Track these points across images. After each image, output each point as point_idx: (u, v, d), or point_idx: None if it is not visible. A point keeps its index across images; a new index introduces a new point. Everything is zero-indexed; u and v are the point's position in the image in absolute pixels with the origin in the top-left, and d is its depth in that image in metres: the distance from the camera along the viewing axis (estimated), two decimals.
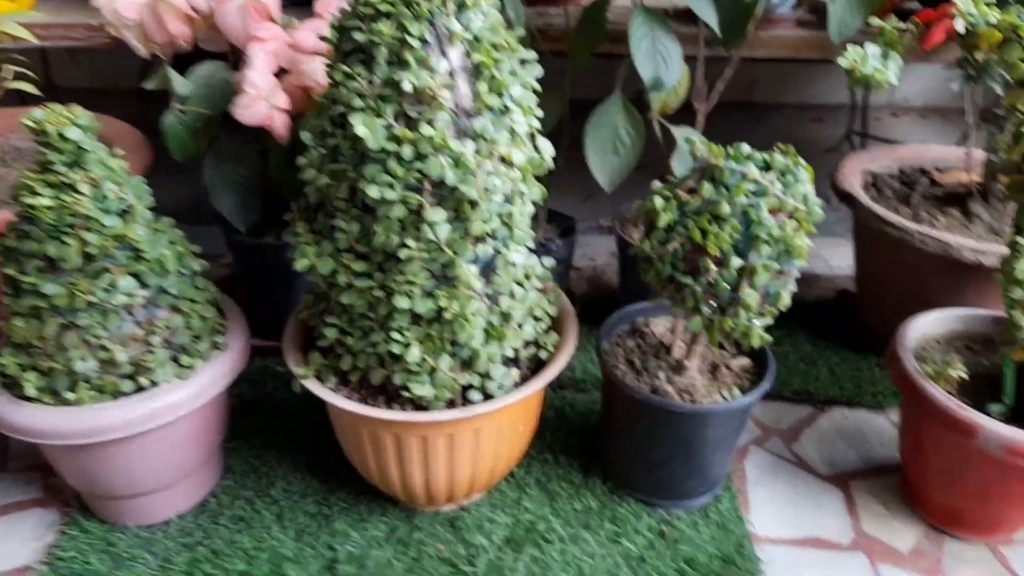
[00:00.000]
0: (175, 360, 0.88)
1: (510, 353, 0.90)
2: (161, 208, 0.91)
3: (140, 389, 0.86)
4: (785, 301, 0.85)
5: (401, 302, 0.79)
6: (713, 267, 0.81)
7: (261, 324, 1.09)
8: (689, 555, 0.97)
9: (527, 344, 0.94)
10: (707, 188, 0.81)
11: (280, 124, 1.01)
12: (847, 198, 1.31)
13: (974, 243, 1.16)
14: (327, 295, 0.86)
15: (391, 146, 0.73)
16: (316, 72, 0.99)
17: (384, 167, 0.74)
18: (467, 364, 0.87)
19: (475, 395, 0.88)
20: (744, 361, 1.03)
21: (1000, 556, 1.02)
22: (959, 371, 0.96)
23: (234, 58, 1.06)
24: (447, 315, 0.81)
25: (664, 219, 0.82)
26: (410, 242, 0.77)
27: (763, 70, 2.49)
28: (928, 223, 1.27)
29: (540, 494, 1.04)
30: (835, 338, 1.41)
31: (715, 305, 0.84)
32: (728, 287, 0.82)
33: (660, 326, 1.10)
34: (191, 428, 0.91)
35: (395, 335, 0.82)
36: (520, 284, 0.90)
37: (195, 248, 0.94)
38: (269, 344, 1.21)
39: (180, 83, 1.03)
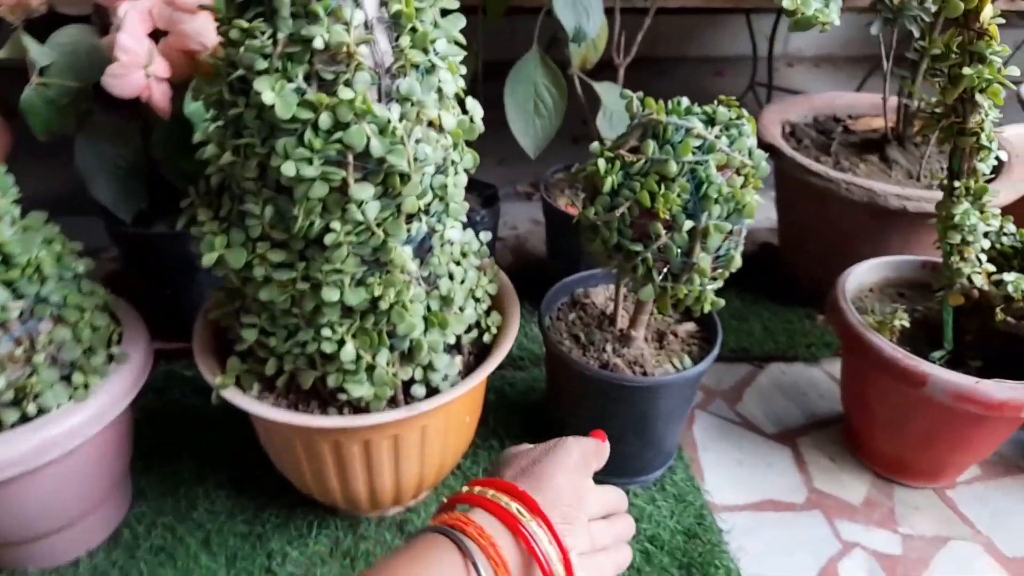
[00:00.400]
0: (66, 379, 0.76)
1: (452, 340, 0.82)
2: (29, 200, 0.78)
3: (27, 418, 0.73)
4: (737, 262, 0.81)
5: (330, 294, 0.70)
6: (663, 231, 0.76)
7: (160, 323, 0.96)
8: (652, 533, 0.93)
9: (469, 328, 0.86)
10: (651, 146, 0.76)
11: (160, 95, 0.88)
12: (770, 149, 1.29)
13: (899, 189, 1.16)
14: (241, 291, 0.75)
15: (305, 114, 0.63)
16: (201, 32, 0.87)
17: (299, 139, 0.64)
18: (407, 356, 0.79)
19: (418, 389, 0.80)
20: (690, 326, 1.00)
21: (947, 500, 1.03)
22: (902, 320, 0.96)
23: (100, 20, 0.92)
24: (383, 304, 0.72)
25: (609, 183, 0.76)
26: (335, 225, 0.67)
27: (666, 23, 2.47)
28: (850, 171, 1.27)
29: None
30: (762, 292, 1.40)
31: (666, 272, 0.79)
32: (679, 251, 0.77)
33: (600, 296, 1.05)
34: (93, 455, 0.78)
35: (326, 331, 0.72)
36: (458, 263, 0.82)
37: (76, 246, 0.81)
38: (173, 346, 1.08)
39: (38, 52, 0.88)
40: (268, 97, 0.62)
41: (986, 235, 0.91)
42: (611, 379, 0.88)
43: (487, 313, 0.88)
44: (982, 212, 0.90)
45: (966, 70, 0.79)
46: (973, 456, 1.01)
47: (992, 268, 0.92)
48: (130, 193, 1.03)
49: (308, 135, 0.64)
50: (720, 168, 0.77)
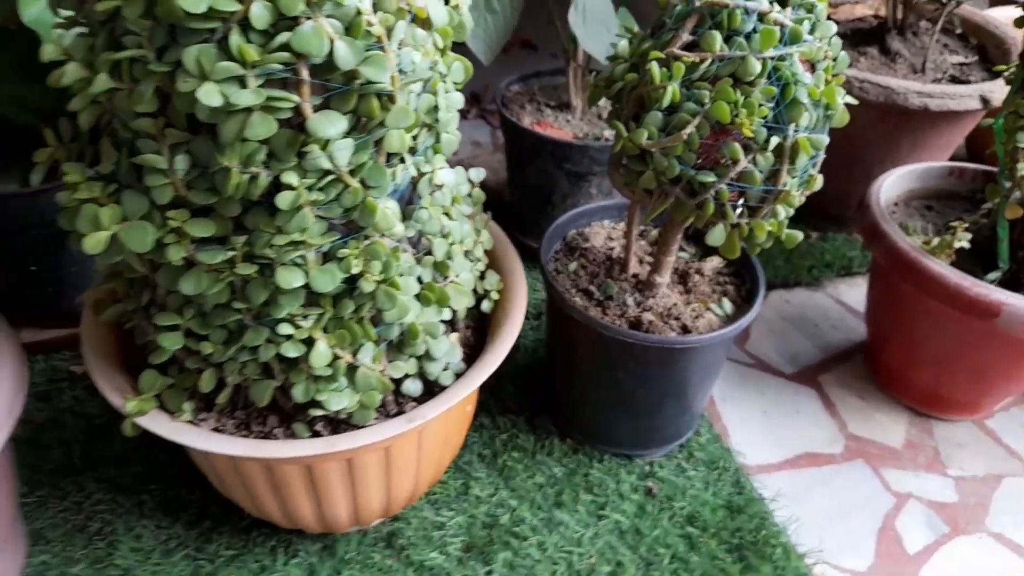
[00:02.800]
0: None
1: (447, 316, 0.61)
2: None
3: None
4: (818, 183, 0.63)
5: (288, 278, 0.48)
6: (742, 153, 0.57)
7: (26, 308, 0.71)
8: (690, 511, 0.78)
9: None
10: (716, 40, 0.56)
11: None
12: None
13: (919, 86, 1.00)
14: (149, 280, 0.52)
15: (227, 3, 0.40)
16: None
17: (220, 47, 0.41)
18: (397, 347, 0.58)
19: (412, 385, 0.60)
20: (715, 262, 0.82)
21: (989, 432, 0.93)
22: (962, 241, 0.81)
23: None
24: (364, 285, 0.51)
25: (669, 94, 0.55)
26: (290, 177, 0.45)
27: None
28: (852, 67, 1.11)
29: (490, 474, 0.80)
30: None
31: (743, 205, 0.61)
32: (761, 176, 0.58)
33: (599, 237, 0.85)
34: None
35: (285, 328, 0.51)
36: (447, 215, 0.61)
37: None
38: (51, 335, 0.83)
39: None
40: None
41: None
42: (649, 342, 0.70)
43: (482, 275, 0.68)
44: None
45: None
46: (1022, 385, 0.91)
47: None
48: None
49: (235, 39, 0.41)
50: (802, 63, 0.58)
